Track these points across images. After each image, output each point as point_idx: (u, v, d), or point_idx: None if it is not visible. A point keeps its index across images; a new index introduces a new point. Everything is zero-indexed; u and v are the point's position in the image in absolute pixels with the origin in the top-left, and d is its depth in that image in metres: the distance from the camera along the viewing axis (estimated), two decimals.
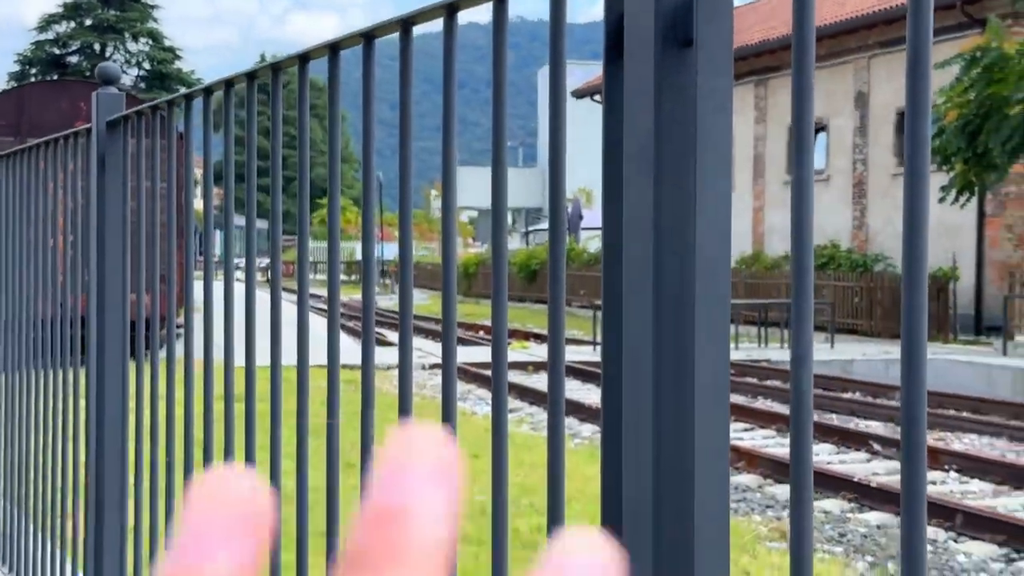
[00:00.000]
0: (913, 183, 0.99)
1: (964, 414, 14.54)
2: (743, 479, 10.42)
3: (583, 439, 12.53)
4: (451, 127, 1.51)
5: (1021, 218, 26.26)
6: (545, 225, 55.36)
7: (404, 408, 1.79)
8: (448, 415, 1.61)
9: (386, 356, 16.22)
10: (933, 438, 12.86)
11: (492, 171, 1.40)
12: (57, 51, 59.76)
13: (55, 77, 52.22)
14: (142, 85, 58.38)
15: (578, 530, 0.38)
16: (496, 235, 1.46)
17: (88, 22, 59.63)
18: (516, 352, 20.18)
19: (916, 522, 0.99)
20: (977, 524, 8.45)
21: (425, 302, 36.66)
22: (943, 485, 10.23)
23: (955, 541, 8.34)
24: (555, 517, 1.35)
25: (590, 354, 19.55)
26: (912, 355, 0.98)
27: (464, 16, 1.65)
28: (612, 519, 1.23)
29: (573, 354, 18.19)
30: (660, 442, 1.18)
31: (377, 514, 0.38)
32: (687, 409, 1.17)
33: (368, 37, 1.77)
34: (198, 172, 3.03)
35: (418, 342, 19.23)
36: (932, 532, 8.41)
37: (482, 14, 1.72)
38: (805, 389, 1.05)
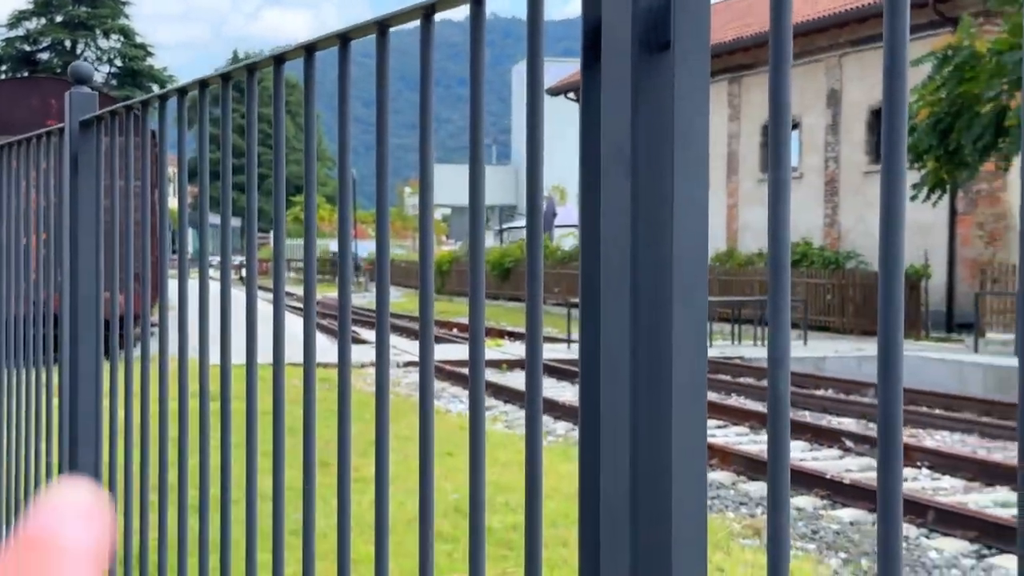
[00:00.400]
0: (890, 180, 1.00)
1: (936, 411, 14.62)
2: (717, 476, 10.46)
3: (557, 436, 12.55)
4: (428, 131, 1.51)
5: (992, 216, 26.43)
6: (519, 223, 55.33)
7: (381, 405, 1.79)
8: (425, 412, 1.62)
9: (361, 354, 16.18)
10: (906, 435, 12.89)
11: (470, 174, 1.41)
12: (28, 48, 59.39)
13: (26, 74, 51.92)
14: (113, 82, 58.11)
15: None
16: (474, 235, 1.47)
17: (59, 19, 59.32)
18: (490, 350, 20.19)
19: (892, 521, 1.00)
20: (949, 520, 8.51)
21: (399, 300, 36.63)
22: (915, 482, 10.29)
23: (927, 537, 8.39)
24: (532, 515, 1.36)
25: (564, 352, 19.57)
26: (888, 352, 0.99)
27: (438, 14, 1.65)
28: (590, 518, 1.24)
29: (547, 352, 18.21)
30: (637, 441, 1.19)
31: (24, 544, 0.41)
32: (664, 409, 1.18)
33: (344, 39, 1.77)
34: (172, 170, 3.03)
35: (392, 339, 19.20)
36: (904, 528, 8.44)
37: (456, 11, 1.72)
38: (783, 390, 1.06)
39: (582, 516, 1.25)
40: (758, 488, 9.93)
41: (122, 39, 60.23)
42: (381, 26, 1.65)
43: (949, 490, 10.04)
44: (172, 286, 2.86)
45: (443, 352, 18.43)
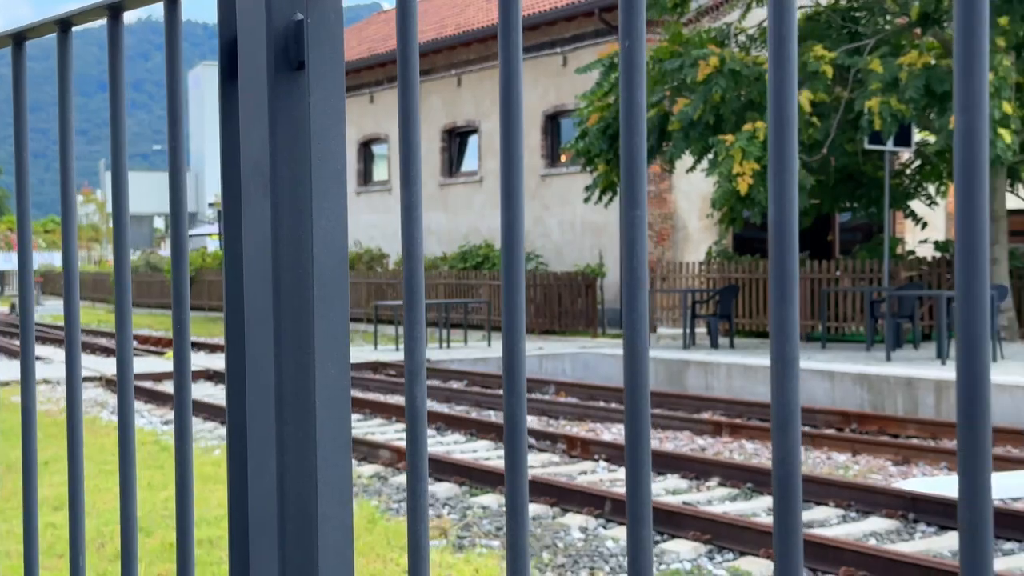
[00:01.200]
0: (509, 189, 1.06)
1: (612, 405, 15.22)
2: (404, 479, 10.56)
3: None
4: (68, 141, 1.48)
5: (660, 216, 27.70)
6: (199, 230, 53.98)
7: (73, 426, 1.74)
8: (73, 426, 1.58)
9: (42, 371, 15.41)
10: (585, 429, 13.41)
11: (112, 187, 1.39)
12: None
13: None
14: None
15: None
16: (119, 249, 1.45)
17: None
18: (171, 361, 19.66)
19: (519, 512, 1.05)
20: (624, 510, 8.87)
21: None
22: (593, 475, 10.68)
23: (604, 528, 8.72)
24: (184, 528, 1.35)
25: None
26: (512, 356, 1.05)
27: (133, 14, 1.60)
28: (239, 532, 1.24)
29: None
30: (284, 454, 1.20)
31: None
32: (309, 422, 1.19)
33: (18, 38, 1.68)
34: None
35: (92, 360, 18.41)
36: (583, 520, 8.78)
37: (155, 9, 1.67)
38: (420, 401, 1.09)
39: (232, 530, 1.25)
40: (444, 489, 10.09)
41: None
42: (16, 38, 1.60)
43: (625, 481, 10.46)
44: None
45: (149, 366, 17.94)
